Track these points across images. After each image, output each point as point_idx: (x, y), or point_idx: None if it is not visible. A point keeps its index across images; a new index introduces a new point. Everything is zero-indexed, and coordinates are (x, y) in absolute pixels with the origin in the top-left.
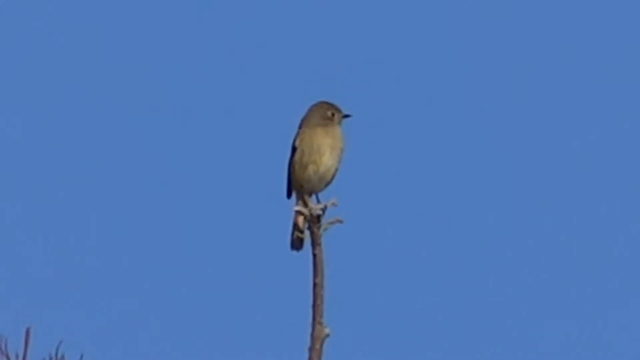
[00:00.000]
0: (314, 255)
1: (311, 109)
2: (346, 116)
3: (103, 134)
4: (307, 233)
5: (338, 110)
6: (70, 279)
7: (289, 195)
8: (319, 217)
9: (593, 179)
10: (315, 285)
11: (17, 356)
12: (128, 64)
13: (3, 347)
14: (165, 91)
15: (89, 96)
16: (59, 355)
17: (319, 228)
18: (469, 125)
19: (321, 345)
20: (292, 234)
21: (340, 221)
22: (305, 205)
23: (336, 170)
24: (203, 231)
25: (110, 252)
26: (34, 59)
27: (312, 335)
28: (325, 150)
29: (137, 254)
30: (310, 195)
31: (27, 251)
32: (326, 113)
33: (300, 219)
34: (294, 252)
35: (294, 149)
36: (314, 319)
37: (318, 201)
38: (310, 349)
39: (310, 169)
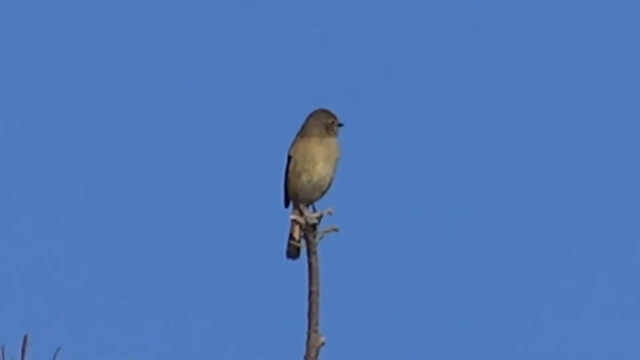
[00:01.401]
0: (310, 264)
1: (309, 117)
2: (340, 125)
3: (99, 136)
4: (302, 242)
5: (335, 118)
6: (69, 284)
7: (286, 204)
8: (314, 225)
9: (592, 179)
10: (310, 293)
11: None
12: (128, 67)
13: (1, 355)
14: (164, 97)
15: (89, 96)
16: None
17: (314, 236)
18: (466, 134)
19: (317, 354)
20: (288, 242)
21: (335, 229)
22: (301, 213)
23: (331, 179)
24: (200, 239)
25: (109, 257)
26: (34, 58)
27: (307, 344)
28: (319, 160)
29: (135, 260)
30: (306, 204)
31: (25, 255)
32: (327, 121)
33: (296, 228)
34: (290, 261)
35: (289, 158)
36: (309, 327)
37: (314, 210)
38: (306, 358)
39: (304, 177)
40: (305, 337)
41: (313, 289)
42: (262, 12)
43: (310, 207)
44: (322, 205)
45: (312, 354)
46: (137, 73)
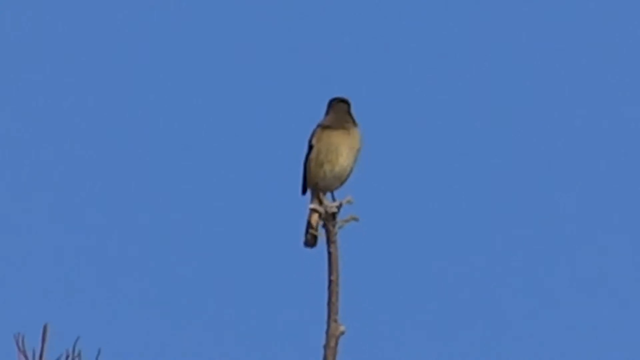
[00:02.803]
0: (329, 253)
1: (331, 106)
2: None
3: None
4: (322, 231)
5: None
6: (85, 277)
7: (304, 191)
8: (334, 214)
9: (592, 179)
10: (330, 282)
11: (34, 353)
12: (135, 65)
13: (20, 345)
14: (180, 87)
15: (90, 96)
16: (76, 352)
17: (334, 226)
18: (482, 124)
19: (336, 343)
20: (306, 231)
21: (355, 219)
22: (320, 202)
23: (351, 170)
24: (218, 228)
25: (124, 247)
26: (32, 58)
27: (327, 333)
28: (343, 151)
29: (152, 251)
30: (325, 193)
31: (41, 248)
32: (348, 110)
33: (315, 217)
34: (308, 249)
35: (310, 147)
36: (329, 316)
37: (333, 199)
38: (325, 347)
39: (326, 167)
40: (325, 326)
41: (333, 278)
42: (272, 6)
43: (329, 196)
44: (341, 194)
45: (332, 343)
46: (140, 71)
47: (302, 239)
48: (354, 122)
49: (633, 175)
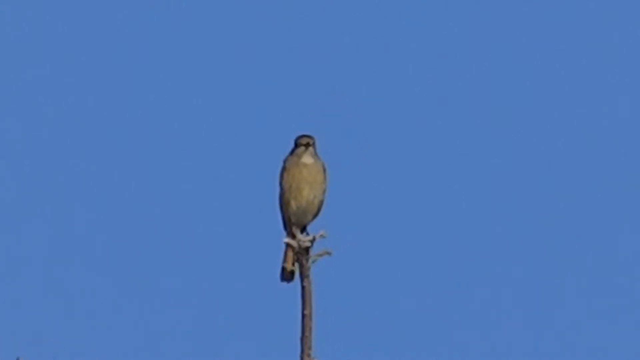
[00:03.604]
0: (303, 287)
1: (295, 144)
2: (305, 144)
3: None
4: (296, 265)
5: (311, 139)
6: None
7: (285, 226)
8: (307, 249)
9: (591, 180)
10: (303, 317)
11: None
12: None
13: None
14: (164, 105)
15: (89, 96)
16: None
17: (307, 260)
18: (458, 157)
19: None
20: (282, 266)
21: (328, 253)
22: (294, 237)
23: (320, 202)
24: (195, 260)
25: (100, 262)
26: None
27: None
28: (304, 187)
29: (134, 270)
30: (300, 227)
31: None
32: (306, 145)
33: (291, 251)
34: (284, 284)
35: (280, 185)
36: (302, 350)
37: (307, 233)
38: None
39: (293, 204)
40: None
41: (306, 312)
42: (256, 16)
43: (304, 231)
44: (315, 228)
45: None
46: (130, 76)
47: (279, 273)
48: (316, 157)
49: (633, 175)
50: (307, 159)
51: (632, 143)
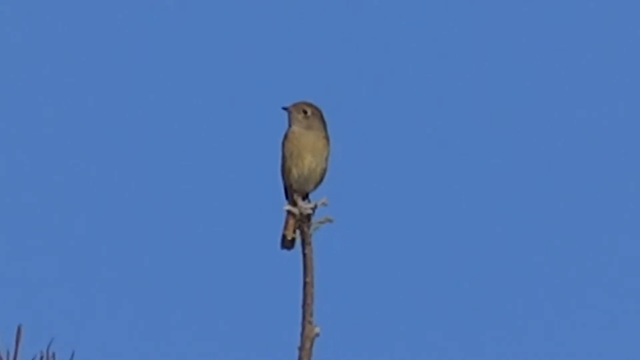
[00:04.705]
0: (304, 255)
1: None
2: (284, 108)
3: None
4: (297, 232)
5: (312, 107)
6: (63, 277)
7: (287, 196)
8: (309, 216)
9: (591, 180)
10: (305, 284)
11: (7, 354)
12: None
13: None
14: (162, 85)
15: (89, 95)
16: (50, 354)
17: (309, 227)
18: (461, 125)
19: (311, 345)
20: (283, 233)
21: (330, 220)
22: (295, 204)
23: (323, 170)
24: (194, 231)
25: (103, 250)
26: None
27: (302, 335)
28: (306, 155)
29: (129, 252)
30: (302, 195)
31: (19, 247)
32: (306, 112)
33: (292, 219)
34: (285, 251)
35: (282, 153)
36: (304, 318)
37: (309, 201)
38: (300, 348)
39: (294, 172)
40: (300, 328)
41: (307, 279)
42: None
43: (306, 199)
44: (317, 196)
45: (307, 345)
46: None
47: (279, 241)
48: (317, 123)
49: (633, 175)
50: (294, 127)
51: (632, 143)
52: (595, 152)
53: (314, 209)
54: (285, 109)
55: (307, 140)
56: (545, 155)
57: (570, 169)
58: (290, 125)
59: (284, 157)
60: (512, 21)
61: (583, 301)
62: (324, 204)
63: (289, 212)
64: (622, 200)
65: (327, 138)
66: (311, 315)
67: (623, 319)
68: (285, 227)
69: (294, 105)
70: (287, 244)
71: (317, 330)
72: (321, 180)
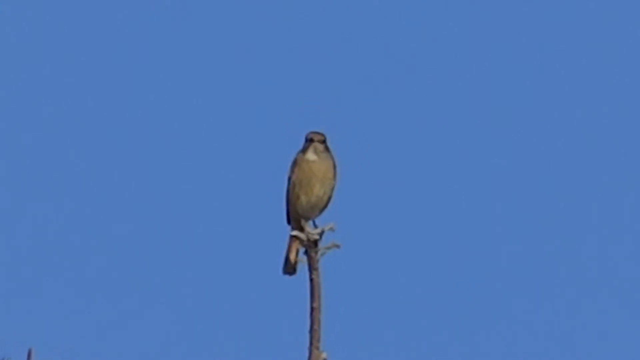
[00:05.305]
0: (312, 280)
1: (306, 139)
2: (309, 140)
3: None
4: (304, 258)
5: (321, 136)
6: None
7: (288, 221)
8: (316, 242)
9: (591, 180)
10: (312, 309)
11: None
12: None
13: None
14: (162, 88)
15: (88, 95)
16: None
17: (316, 253)
18: (465, 152)
19: None
20: (286, 259)
21: (337, 246)
22: (302, 230)
23: (329, 198)
24: (200, 254)
25: (93, 256)
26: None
27: None
28: (315, 184)
29: (132, 263)
30: (307, 220)
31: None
32: (316, 141)
33: (295, 244)
34: (287, 277)
35: (289, 180)
36: (311, 343)
37: (315, 226)
38: None
39: (303, 199)
40: (307, 354)
41: (315, 305)
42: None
43: (311, 223)
44: (323, 221)
45: None
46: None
47: (282, 266)
48: (328, 153)
49: (633, 175)
50: (310, 155)
51: (632, 143)
52: (595, 152)
53: (321, 234)
54: (310, 140)
55: (319, 169)
56: (545, 155)
57: (570, 169)
58: (303, 152)
59: (292, 184)
60: (512, 21)
61: (583, 301)
62: (331, 229)
63: (295, 237)
64: (622, 200)
65: (335, 167)
66: (318, 340)
67: (623, 319)
68: (289, 251)
69: (315, 133)
70: (289, 269)
71: (324, 355)
72: (325, 207)
